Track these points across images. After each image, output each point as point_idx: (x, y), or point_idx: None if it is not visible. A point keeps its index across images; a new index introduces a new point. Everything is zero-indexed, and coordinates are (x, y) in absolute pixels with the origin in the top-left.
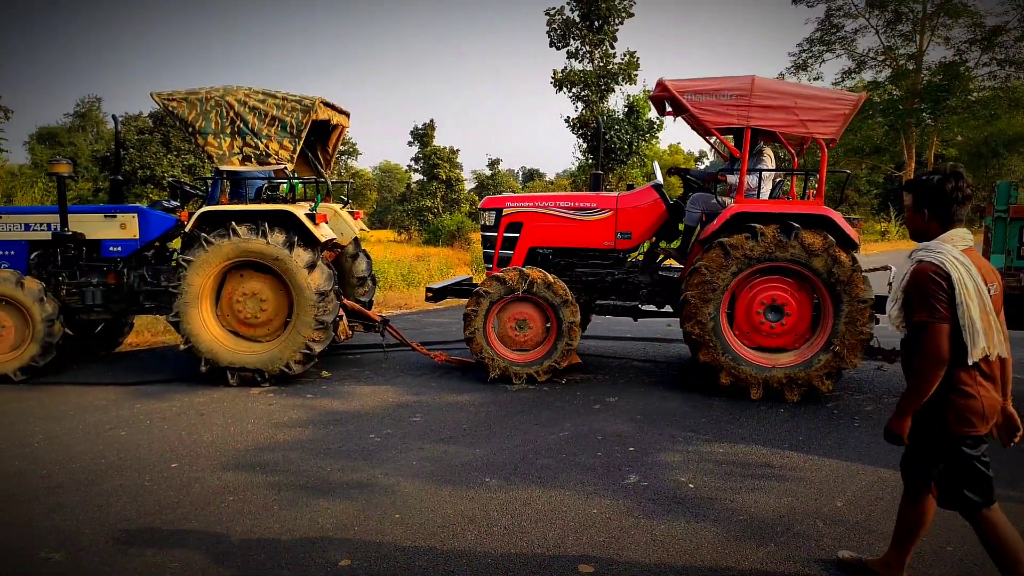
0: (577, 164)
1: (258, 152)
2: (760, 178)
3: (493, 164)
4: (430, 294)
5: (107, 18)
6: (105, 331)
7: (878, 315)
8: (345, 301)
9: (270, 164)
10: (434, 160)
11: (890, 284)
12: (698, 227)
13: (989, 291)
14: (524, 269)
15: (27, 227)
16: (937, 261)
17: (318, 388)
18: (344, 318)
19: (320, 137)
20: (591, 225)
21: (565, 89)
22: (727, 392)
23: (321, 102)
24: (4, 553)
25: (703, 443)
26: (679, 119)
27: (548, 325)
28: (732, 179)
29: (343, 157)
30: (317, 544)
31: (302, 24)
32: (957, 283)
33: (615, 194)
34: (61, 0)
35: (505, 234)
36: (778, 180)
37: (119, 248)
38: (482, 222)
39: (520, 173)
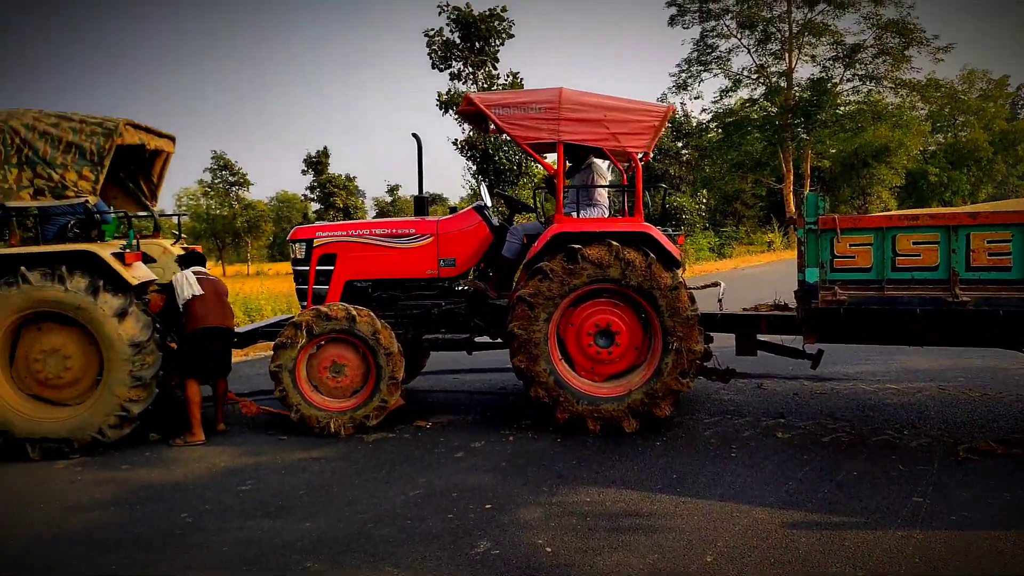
0: (469, 186)
1: (52, 184)
2: (588, 194)
3: (393, 190)
4: (235, 340)
5: None
6: None
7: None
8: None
9: (68, 197)
10: (329, 188)
11: (720, 300)
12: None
13: (207, 278)
14: (322, 307)
15: None
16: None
17: (139, 455)
18: None
19: (140, 166)
20: (411, 253)
21: (451, 111)
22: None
23: (127, 124)
24: None
25: (569, 491)
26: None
27: (367, 365)
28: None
29: (233, 188)
30: None
31: (188, 56)
32: (175, 280)
33: (435, 218)
34: None
35: (318, 267)
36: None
37: None
38: (292, 255)
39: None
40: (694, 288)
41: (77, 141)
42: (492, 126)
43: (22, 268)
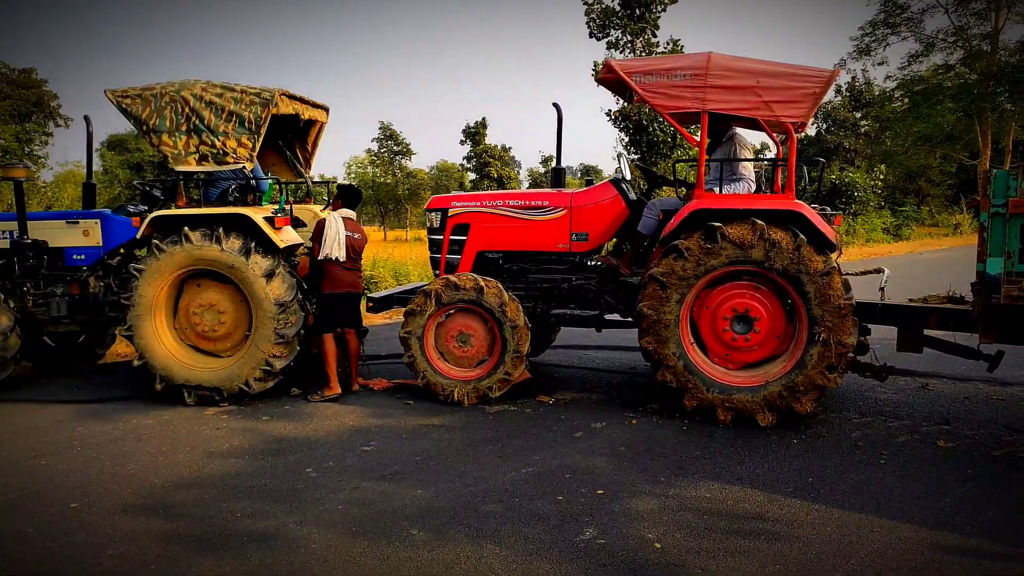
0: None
1: (215, 150)
2: (732, 168)
3: (547, 161)
4: (370, 304)
5: (174, 29)
6: (88, 342)
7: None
8: None
9: (228, 163)
10: (485, 158)
11: (882, 288)
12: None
13: (354, 235)
14: (452, 277)
15: None
16: (325, 218)
17: (278, 408)
18: None
19: (297, 134)
20: (543, 226)
21: None
22: (734, 419)
23: (283, 94)
24: None
25: (688, 484)
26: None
27: (493, 336)
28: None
29: (397, 157)
30: None
31: (359, 32)
32: (327, 226)
33: (570, 191)
34: (125, 16)
35: (452, 237)
36: (757, 170)
37: (82, 256)
38: (428, 224)
39: (579, 171)
40: (852, 274)
41: (238, 110)
42: (635, 95)
43: (185, 228)
